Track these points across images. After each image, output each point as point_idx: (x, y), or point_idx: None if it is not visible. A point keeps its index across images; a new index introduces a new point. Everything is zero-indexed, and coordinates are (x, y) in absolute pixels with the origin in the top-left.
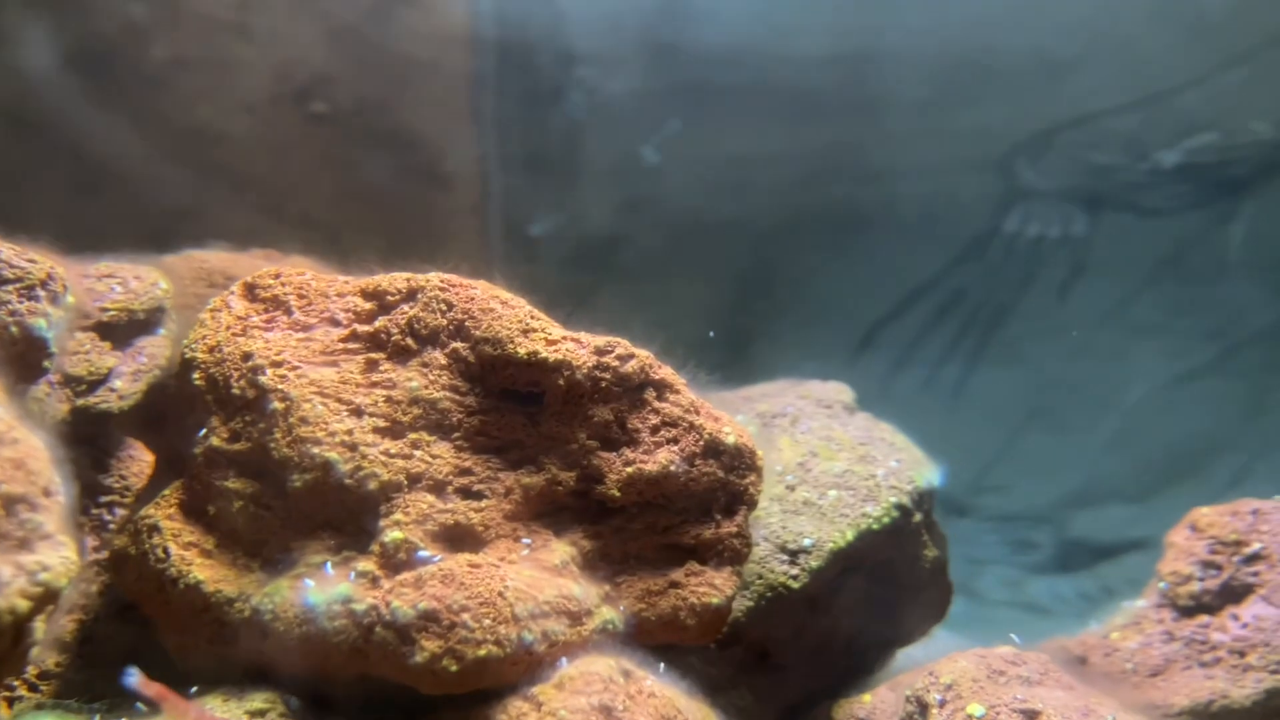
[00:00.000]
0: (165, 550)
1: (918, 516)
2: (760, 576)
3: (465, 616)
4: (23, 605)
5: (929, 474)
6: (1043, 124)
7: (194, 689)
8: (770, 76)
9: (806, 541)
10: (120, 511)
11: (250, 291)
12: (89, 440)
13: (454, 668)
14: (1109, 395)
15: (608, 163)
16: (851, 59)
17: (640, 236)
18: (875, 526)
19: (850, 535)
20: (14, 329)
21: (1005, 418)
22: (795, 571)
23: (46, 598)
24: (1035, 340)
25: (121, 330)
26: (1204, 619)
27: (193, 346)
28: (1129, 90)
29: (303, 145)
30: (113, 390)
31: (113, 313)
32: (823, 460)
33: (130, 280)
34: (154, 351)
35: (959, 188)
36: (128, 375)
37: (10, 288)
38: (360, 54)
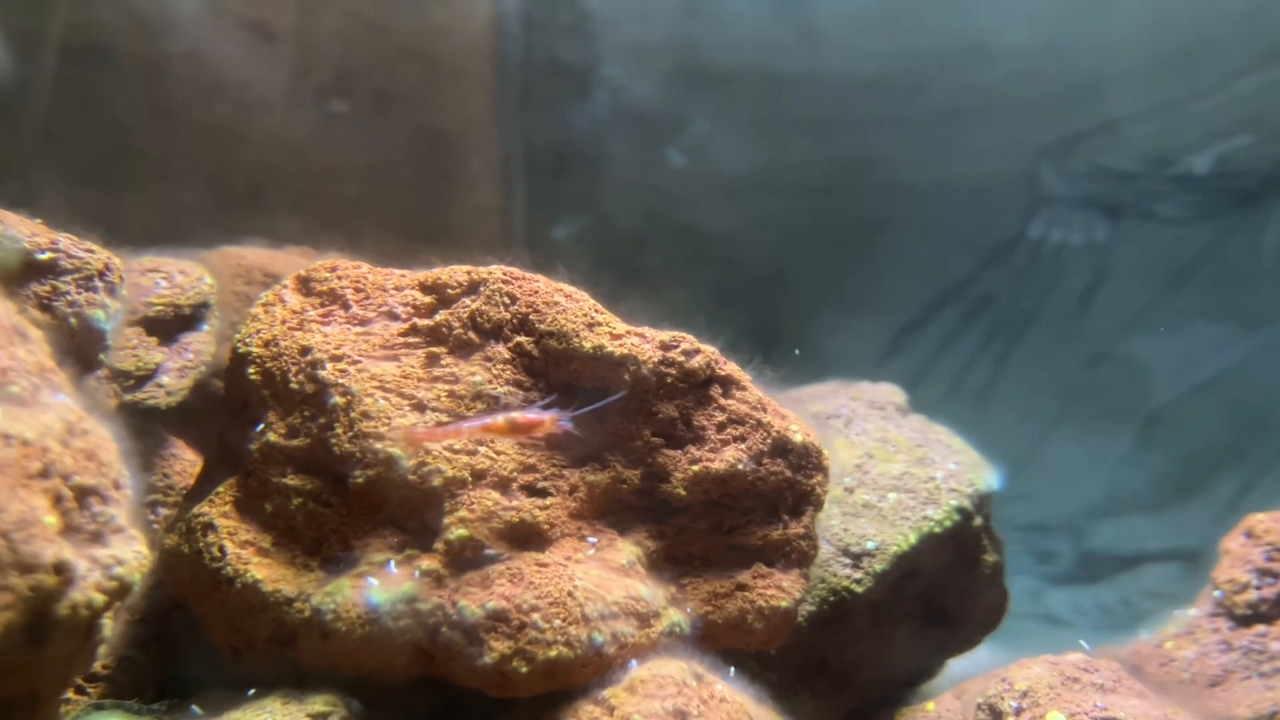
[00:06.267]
0: (221, 548)
1: (978, 520)
2: (823, 580)
3: (535, 616)
4: (98, 599)
5: (988, 477)
6: (1066, 131)
7: (251, 691)
8: (796, 79)
9: (870, 544)
10: (164, 511)
11: (304, 285)
12: (134, 438)
13: (524, 669)
14: (1129, 404)
15: (632, 164)
16: (882, 64)
17: (665, 239)
18: (937, 530)
19: (913, 538)
20: (73, 320)
21: (1029, 424)
22: (859, 575)
23: (120, 592)
24: (1059, 346)
25: (167, 325)
26: (1261, 628)
27: (247, 341)
28: (1149, 97)
29: (323, 145)
30: (160, 386)
31: (159, 308)
32: (880, 462)
33: (175, 275)
34: (199, 348)
35: (984, 193)
36: (174, 371)
37: (69, 278)
38: (382, 53)
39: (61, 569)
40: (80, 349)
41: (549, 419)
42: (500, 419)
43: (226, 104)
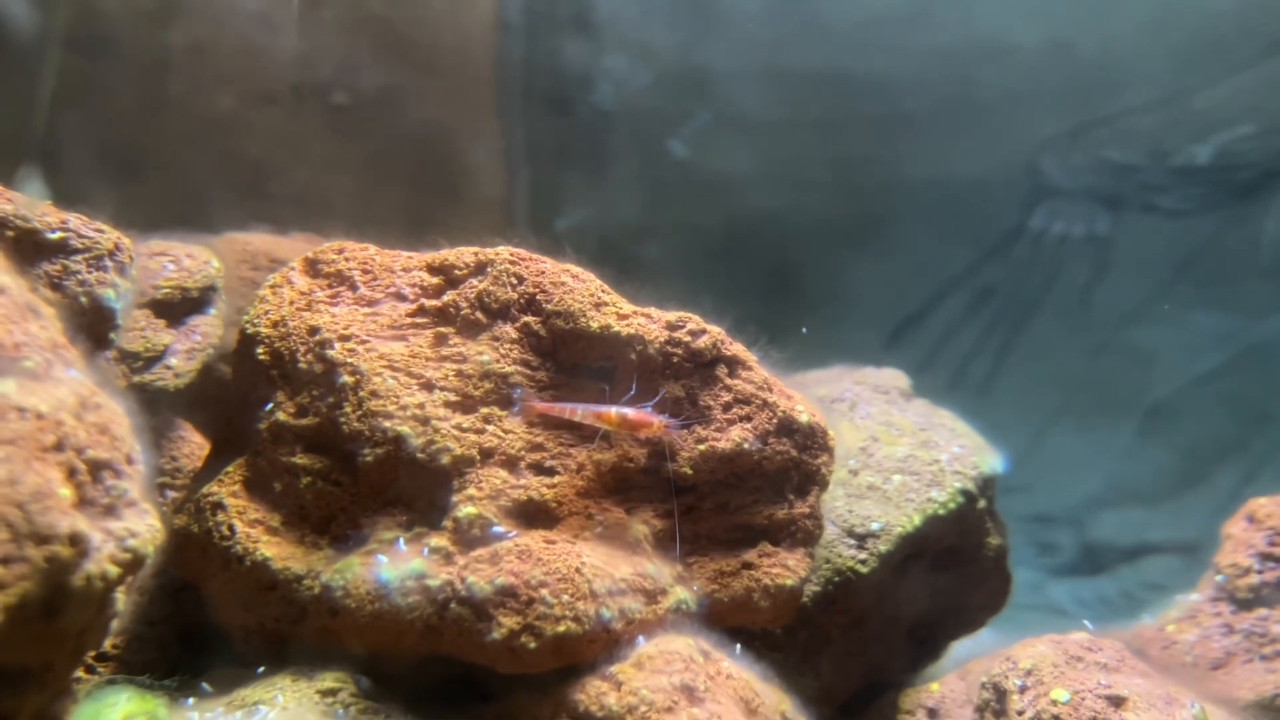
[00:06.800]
0: (230, 527)
1: (982, 503)
2: (828, 561)
3: (544, 592)
4: (113, 571)
5: (992, 460)
6: (1068, 124)
7: (260, 669)
8: (801, 75)
9: (875, 526)
10: (171, 494)
11: (312, 267)
12: (143, 418)
13: (533, 645)
14: (1130, 396)
15: (635, 157)
16: (887, 59)
17: (667, 232)
18: (941, 512)
19: (918, 520)
20: (83, 299)
21: (1031, 416)
22: (863, 556)
23: (134, 564)
24: (1060, 338)
25: (175, 308)
26: (1263, 612)
27: (255, 322)
28: (1151, 90)
29: (325, 136)
30: (169, 368)
31: (166, 290)
32: (884, 445)
33: (183, 258)
34: (207, 330)
35: (987, 186)
36: (183, 353)
37: (79, 257)
38: (385, 44)
39: (76, 540)
40: (91, 327)
41: (658, 422)
42: (613, 411)
43: (229, 95)
